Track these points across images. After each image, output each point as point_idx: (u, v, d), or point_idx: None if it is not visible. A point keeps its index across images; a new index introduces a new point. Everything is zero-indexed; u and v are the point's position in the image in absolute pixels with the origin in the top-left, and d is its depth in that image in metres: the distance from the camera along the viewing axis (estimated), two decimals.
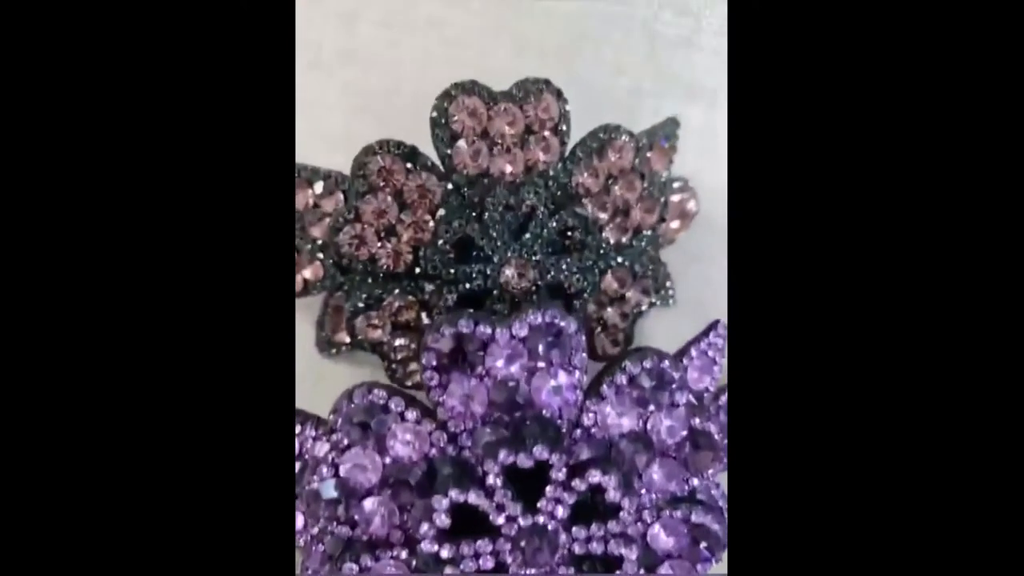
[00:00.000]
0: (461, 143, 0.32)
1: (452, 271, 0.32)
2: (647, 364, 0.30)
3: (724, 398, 0.32)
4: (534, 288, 0.33)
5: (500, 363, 0.28)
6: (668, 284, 0.39)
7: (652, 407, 0.30)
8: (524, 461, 0.28)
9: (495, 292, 0.33)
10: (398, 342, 0.34)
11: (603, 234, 0.35)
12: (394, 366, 0.34)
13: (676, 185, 0.38)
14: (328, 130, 0.40)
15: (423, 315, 0.33)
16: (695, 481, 0.30)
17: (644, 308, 0.37)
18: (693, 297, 0.40)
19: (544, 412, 0.29)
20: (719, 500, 0.31)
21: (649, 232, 0.36)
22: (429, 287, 0.33)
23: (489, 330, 0.28)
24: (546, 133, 0.33)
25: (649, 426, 0.30)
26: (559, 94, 0.33)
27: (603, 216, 0.34)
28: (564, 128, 0.33)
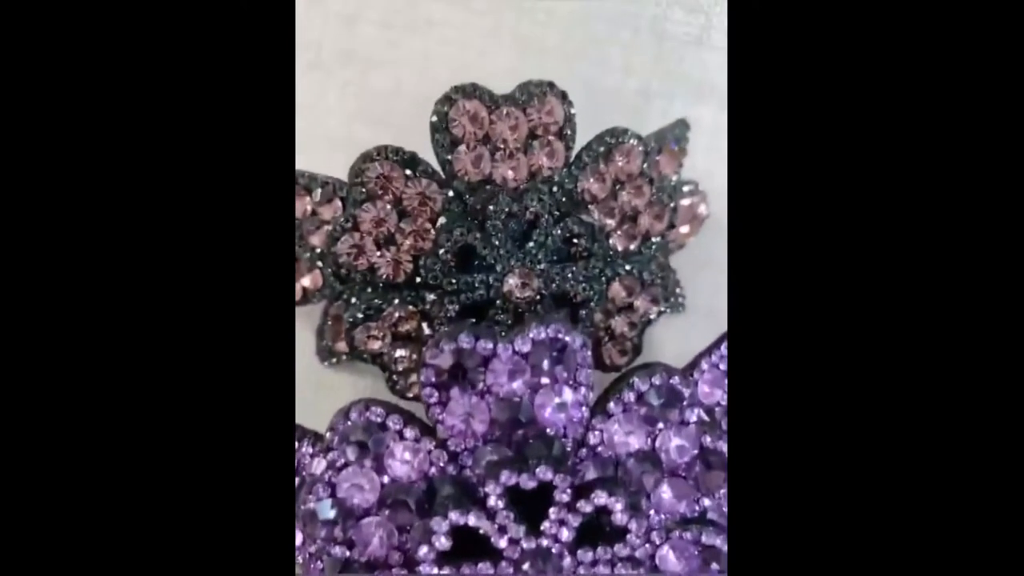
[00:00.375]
0: (462, 149, 0.31)
1: (453, 281, 0.31)
2: (656, 380, 0.28)
3: None
4: (538, 298, 0.32)
5: (502, 380, 0.27)
6: (678, 291, 0.38)
7: (661, 425, 0.29)
8: (527, 482, 0.27)
9: (498, 302, 0.32)
10: (398, 353, 0.33)
11: (610, 241, 0.33)
12: (395, 377, 0.33)
13: (686, 189, 0.37)
14: (328, 131, 0.39)
15: (424, 325, 0.32)
16: (706, 501, 0.29)
17: (653, 317, 0.36)
18: (704, 304, 0.38)
19: (548, 431, 0.28)
20: None
21: (658, 239, 0.35)
22: (430, 297, 0.32)
23: (491, 345, 0.27)
24: (550, 138, 0.32)
25: (658, 445, 0.29)
26: (564, 97, 0.32)
27: (610, 223, 0.33)
28: (569, 132, 0.32)
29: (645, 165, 0.33)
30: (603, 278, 0.34)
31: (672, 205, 0.35)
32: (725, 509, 0.30)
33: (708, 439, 0.29)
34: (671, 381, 0.29)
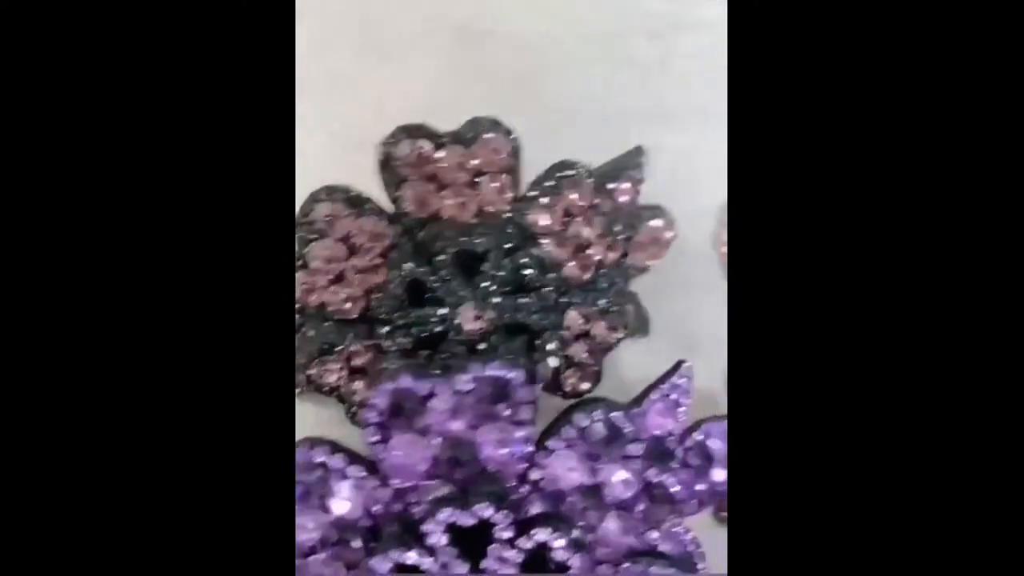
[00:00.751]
0: (408, 187, 0.31)
1: (405, 315, 0.32)
2: (597, 416, 0.29)
3: (691, 440, 0.31)
4: (492, 329, 0.32)
5: (444, 418, 0.28)
6: (641, 315, 0.38)
7: (604, 460, 0.29)
8: (466, 519, 0.27)
9: (451, 334, 0.32)
10: (354, 386, 0.33)
11: (563, 272, 0.34)
12: (353, 409, 0.34)
13: (647, 213, 0.37)
14: (307, 156, 0.39)
15: (379, 358, 0.33)
16: (654, 534, 0.29)
17: (612, 342, 0.36)
18: (669, 327, 0.38)
19: (490, 467, 0.28)
20: (688, 548, 0.30)
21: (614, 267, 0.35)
22: (384, 330, 0.32)
23: (431, 385, 0.28)
24: (497, 174, 0.32)
25: (601, 480, 0.29)
26: (508, 133, 0.32)
27: (562, 253, 0.33)
28: (516, 167, 0.32)
29: (597, 199, 0.34)
30: (558, 308, 0.34)
31: (625, 235, 0.35)
32: (684, 539, 0.30)
33: (652, 472, 0.29)
34: (611, 416, 0.29)
